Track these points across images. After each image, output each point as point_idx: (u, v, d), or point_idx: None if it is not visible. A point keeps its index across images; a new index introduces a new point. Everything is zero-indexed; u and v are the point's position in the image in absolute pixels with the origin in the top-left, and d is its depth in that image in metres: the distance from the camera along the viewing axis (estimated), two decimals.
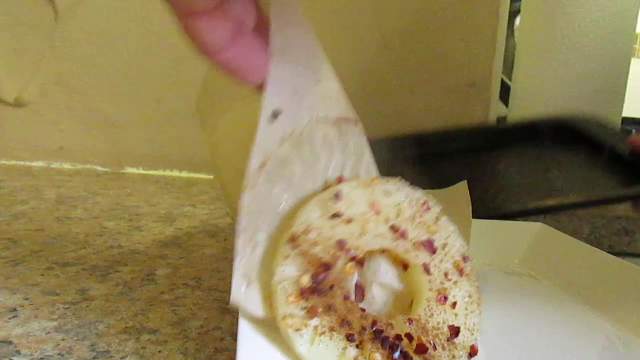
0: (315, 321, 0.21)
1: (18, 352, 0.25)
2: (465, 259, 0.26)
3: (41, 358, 0.25)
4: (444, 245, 0.25)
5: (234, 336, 0.26)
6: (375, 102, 0.80)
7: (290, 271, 0.22)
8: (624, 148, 0.50)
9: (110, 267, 0.37)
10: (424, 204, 0.26)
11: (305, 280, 0.21)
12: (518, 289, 0.38)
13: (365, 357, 0.21)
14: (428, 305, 0.24)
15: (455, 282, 0.25)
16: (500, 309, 0.34)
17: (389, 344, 0.22)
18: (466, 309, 0.25)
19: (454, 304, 0.24)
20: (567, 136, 0.57)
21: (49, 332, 0.27)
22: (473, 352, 0.24)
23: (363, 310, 0.23)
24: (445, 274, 0.25)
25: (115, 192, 0.65)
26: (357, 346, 0.21)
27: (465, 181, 0.34)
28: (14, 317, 0.29)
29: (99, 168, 0.81)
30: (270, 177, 0.23)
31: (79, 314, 0.29)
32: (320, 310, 0.21)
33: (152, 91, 0.77)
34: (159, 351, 0.26)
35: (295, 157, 0.24)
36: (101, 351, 0.25)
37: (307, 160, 0.25)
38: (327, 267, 0.22)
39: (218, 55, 0.21)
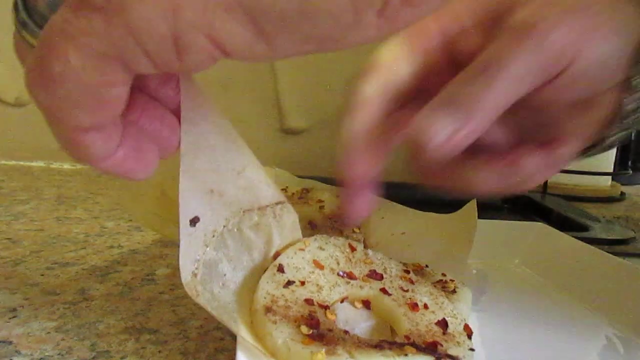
0: (340, 346, 0.22)
1: (18, 352, 0.25)
2: (407, 272, 0.29)
3: (41, 358, 0.25)
4: (385, 269, 0.28)
5: (234, 336, 0.26)
6: None
7: (286, 330, 0.22)
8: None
9: (110, 267, 0.37)
10: (349, 246, 0.29)
11: (305, 330, 0.22)
12: (518, 288, 0.38)
13: (404, 351, 0.22)
14: (408, 318, 0.25)
15: (413, 291, 0.27)
16: (500, 308, 0.34)
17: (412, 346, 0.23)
18: (436, 303, 0.26)
19: (425, 305, 0.26)
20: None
21: (49, 332, 0.27)
22: (469, 331, 0.25)
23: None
24: (401, 289, 0.27)
25: (115, 192, 0.65)
26: (389, 349, 0.22)
27: (475, 200, 0.36)
28: (14, 317, 0.29)
29: None
30: (205, 282, 0.24)
31: (79, 314, 0.29)
32: (337, 341, 0.22)
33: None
34: (159, 351, 0.26)
35: (221, 257, 0.25)
36: (101, 351, 0.25)
37: (234, 256, 0.25)
38: (312, 318, 0.23)
39: (102, 163, 0.19)
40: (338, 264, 0.28)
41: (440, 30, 0.27)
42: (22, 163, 0.79)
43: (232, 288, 0.25)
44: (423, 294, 0.27)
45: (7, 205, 0.54)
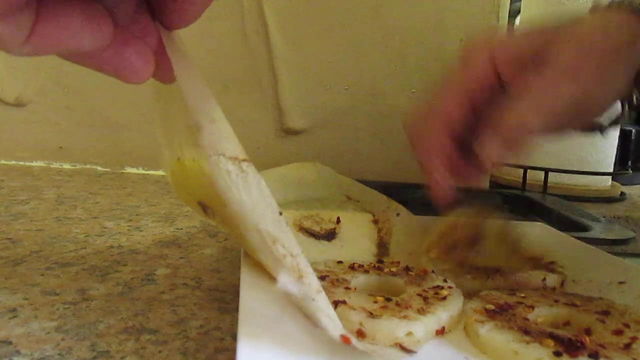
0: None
1: (18, 352, 0.25)
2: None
3: (41, 358, 0.25)
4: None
5: (234, 336, 0.26)
6: (376, 102, 0.80)
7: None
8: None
9: (110, 267, 0.37)
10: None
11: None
12: None
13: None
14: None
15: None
16: None
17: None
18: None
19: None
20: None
21: (49, 332, 0.27)
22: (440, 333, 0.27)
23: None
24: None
25: (115, 192, 0.65)
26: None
27: None
28: (14, 317, 0.29)
29: (99, 168, 0.81)
30: None
31: (79, 314, 0.29)
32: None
33: (152, 91, 0.77)
34: (159, 351, 0.26)
35: None
36: (101, 351, 0.25)
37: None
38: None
39: (15, 51, 0.19)
40: None
41: (490, 60, 0.34)
42: (22, 163, 0.79)
43: None
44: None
45: (7, 205, 0.54)
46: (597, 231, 0.52)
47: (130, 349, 0.26)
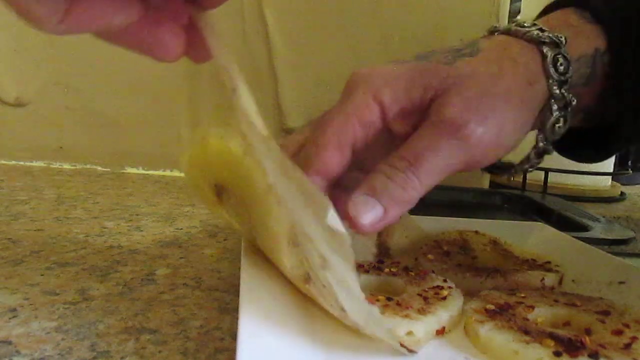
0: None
1: (18, 352, 0.25)
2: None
3: (41, 358, 0.25)
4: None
5: (234, 336, 0.26)
6: None
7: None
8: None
9: (110, 267, 0.37)
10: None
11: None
12: None
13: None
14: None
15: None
16: None
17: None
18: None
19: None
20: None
21: (49, 332, 0.27)
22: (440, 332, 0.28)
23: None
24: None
25: (115, 192, 0.65)
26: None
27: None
28: (14, 317, 0.29)
29: (99, 168, 0.81)
30: None
31: (79, 314, 0.29)
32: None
33: (152, 91, 0.77)
34: (159, 351, 0.26)
35: None
36: (101, 351, 0.25)
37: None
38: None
39: (49, 27, 0.20)
40: None
41: (380, 111, 0.30)
42: (22, 163, 0.79)
43: None
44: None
45: (7, 205, 0.54)
46: (597, 231, 0.53)
47: (130, 349, 0.26)
